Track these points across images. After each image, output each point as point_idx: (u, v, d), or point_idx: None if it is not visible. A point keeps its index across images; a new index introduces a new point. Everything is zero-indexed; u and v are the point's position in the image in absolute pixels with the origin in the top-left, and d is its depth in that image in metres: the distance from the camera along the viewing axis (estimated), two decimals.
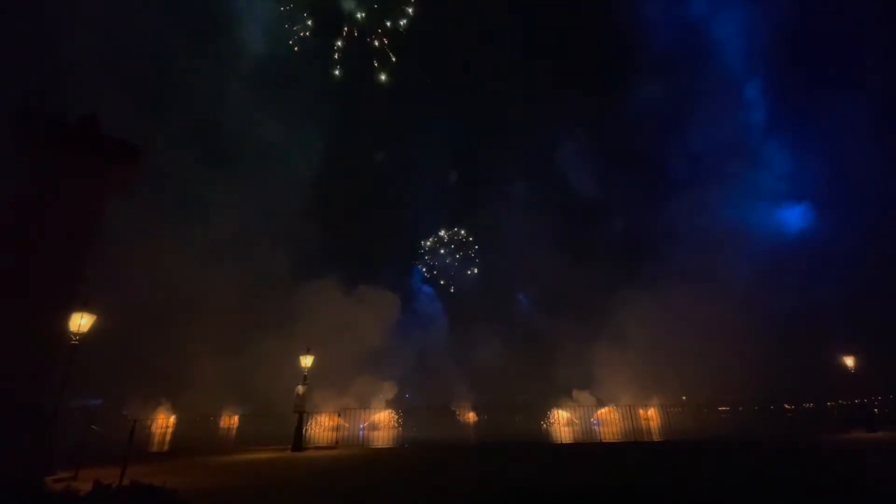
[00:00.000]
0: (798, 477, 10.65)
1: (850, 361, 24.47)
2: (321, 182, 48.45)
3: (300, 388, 19.97)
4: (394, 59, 48.25)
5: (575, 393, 37.84)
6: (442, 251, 58.19)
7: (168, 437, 29.81)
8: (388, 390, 39.23)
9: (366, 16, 47.02)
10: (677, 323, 34.71)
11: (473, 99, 60.57)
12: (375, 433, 32.27)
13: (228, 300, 38.13)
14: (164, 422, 34.73)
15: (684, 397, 35.09)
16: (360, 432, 30.14)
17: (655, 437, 24.46)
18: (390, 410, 37.58)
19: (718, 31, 49.10)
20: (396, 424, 36.16)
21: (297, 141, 45.84)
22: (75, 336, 12.40)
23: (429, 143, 56.53)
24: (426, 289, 55.38)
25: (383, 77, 49.29)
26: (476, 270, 57.05)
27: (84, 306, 12.55)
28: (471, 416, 41.39)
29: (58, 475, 11.19)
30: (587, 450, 18.57)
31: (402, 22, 46.60)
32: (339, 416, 26.67)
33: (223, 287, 38.17)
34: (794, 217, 42.11)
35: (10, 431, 10.45)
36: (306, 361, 20.41)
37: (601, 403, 35.44)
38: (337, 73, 48.18)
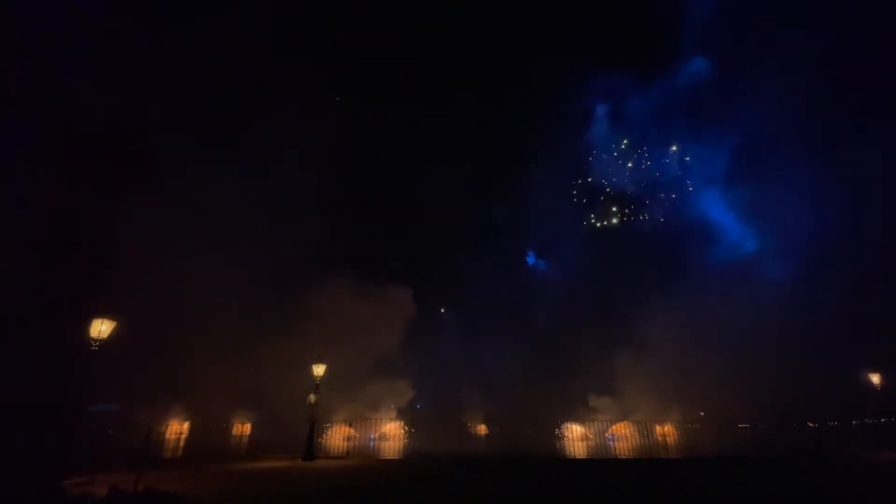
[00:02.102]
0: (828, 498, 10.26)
1: (876, 378, 23.71)
2: (333, 177, 47.45)
3: (312, 397, 20.02)
4: None
5: (592, 399, 36.85)
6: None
7: (182, 444, 30.00)
8: (403, 391, 38.67)
9: None
10: (698, 335, 33.74)
11: (488, 81, 57.06)
12: (385, 444, 32.06)
13: (242, 303, 38.46)
14: (177, 428, 34.97)
15: (702, 413, 34.20)
16: (371, 442, 30.05)
17: (673, 454, 23.86)
18: (400, 421, 37.27)
19: None
20: (406, 435, 35.87)
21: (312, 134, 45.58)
22: (95, 342, 12.64)
23: (443, 131, 54.75)
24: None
25: None
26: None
27: (104, 313, 12.81)
28: (482, 428, 40.87)
29: (75, 479, 11.34)
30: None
31: None
32: (350, 426, 26.71)
33: (237, 290, 38.51)
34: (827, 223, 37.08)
35: (31, 435, 10.64)
36: (318, 370, 20.45)
37: (620, 413, 34.60)
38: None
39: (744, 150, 44.11)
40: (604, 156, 52.58)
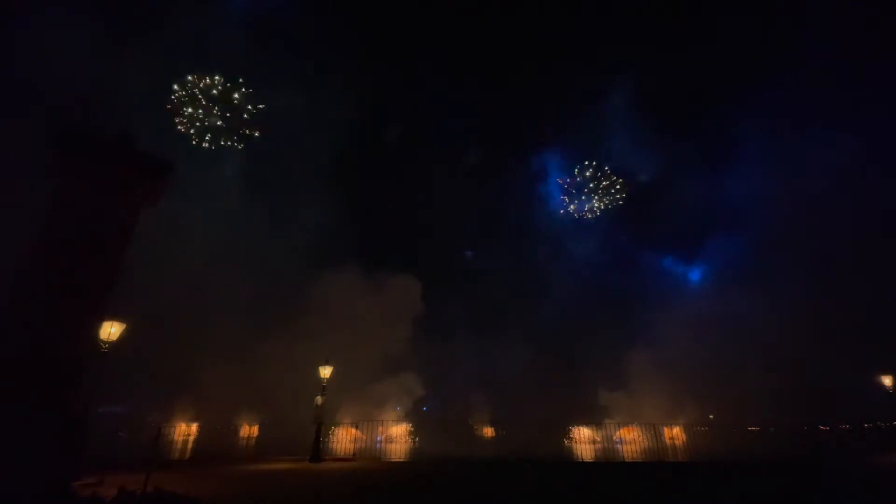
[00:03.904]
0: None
1: (888, 381, 23.31)
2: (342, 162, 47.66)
3: (319, 399, 20.02)
4: None
5: (603, 397, 36.24)
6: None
7: (190, 445, 30.19)
8: (409, 392, 38.24)
9: None
10: (709, 337, 33.22)
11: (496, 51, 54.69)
12: (391, 446, 32.02)
13: (248, 305, 38.66)
14: (185, 430, 35.23)
15: (711, 416, 33.82)
16: (378, 444, 30.03)
17: (681, 457, 23.59)
18: (406, 424, 37.08)
19: None
20: (412, 438, 35.74)
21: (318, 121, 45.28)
22: (105, 344, 12.78)
23: (451, 112, 53.52)
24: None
25: None
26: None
27: (115, 315, 12.95)
28: (488, 431, 40.63)
29: (84, 480, 11.44)
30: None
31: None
32: (356, 428, 26.71)
33: (243, 291, 38.72)
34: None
35: (41, 437, 10.73)
36: (325, 372, 20.45)
37: (629, 412, 34.13)
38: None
39: (767, 137, 42.38)
40: (620, 141, 50.75)
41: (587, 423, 35.12)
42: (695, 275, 38.39)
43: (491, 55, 55.59)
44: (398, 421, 36.50)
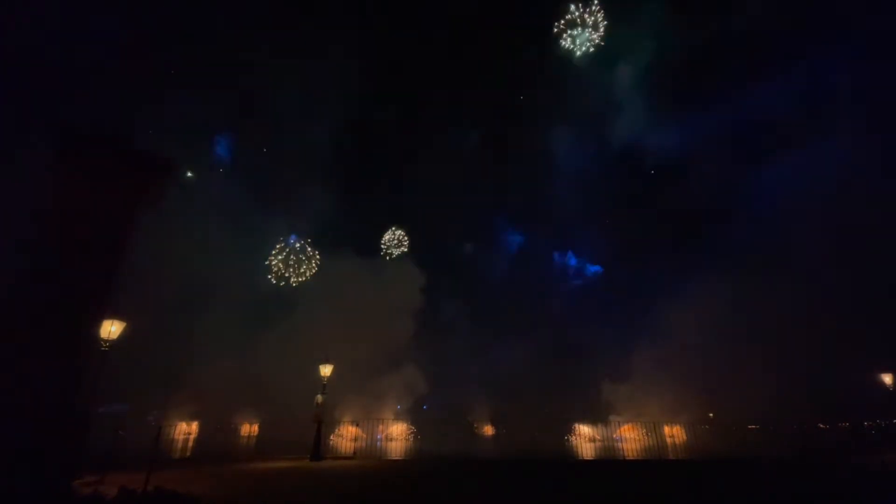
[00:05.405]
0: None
1: (888, 380, 23.30)
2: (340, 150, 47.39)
3: (319, 398, 20.01)
4: None
5: (608, 393, 36.08)
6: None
7: (190, 444, 30.19)
8: (409, 390, 38.12)
9: None
10: (709, 333, 33.07)
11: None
12: (391, 444, 32.07)
13: (248, 304, 38.62)
14: (185, 428, 35.25)
15: (711, 414, 33.83)
16: (378, 443, 30.09)
17: (681, 455, 23.59)
18: (406, 422, 37.05)
19: None
20: (412, 437, 35.74)
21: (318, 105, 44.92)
22: (105, 343, 12.77)
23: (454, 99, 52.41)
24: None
25: None
26: None
27: (115, 314, 12.94)
28: (488, 430, 40.68)
29: (85, 479, 11.44)
30: None
31: None
32: (357, 426, 26.79)
33: (242, 289, 38.67)
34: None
35: (42, 435, 10.73)
36: (325, 370, 20.42)
37: (631, 408, 34.06)
38: None
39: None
40: (635, 123, 48.87)
41: (589, 422, 35.16)
42: (696, 272, 37.86)
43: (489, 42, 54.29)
44: (398, 418, 36.53)
